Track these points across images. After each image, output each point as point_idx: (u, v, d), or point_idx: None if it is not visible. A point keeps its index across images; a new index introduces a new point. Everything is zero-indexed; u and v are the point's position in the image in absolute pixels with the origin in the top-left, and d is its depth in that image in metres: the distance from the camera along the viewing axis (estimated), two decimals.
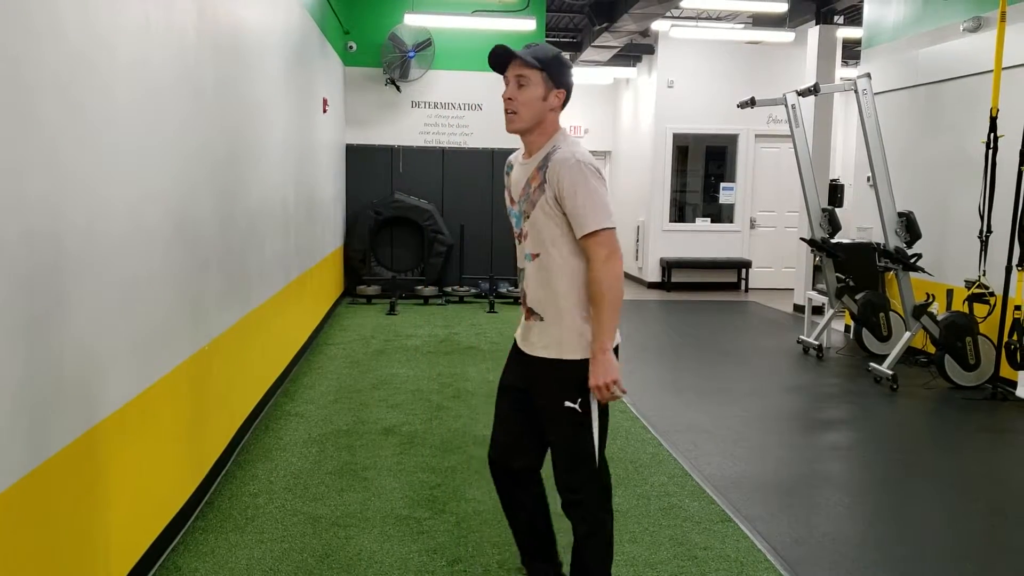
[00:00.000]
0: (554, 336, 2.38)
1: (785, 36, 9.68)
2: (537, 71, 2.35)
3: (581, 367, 2.34)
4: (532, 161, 2.41)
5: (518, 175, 2.47)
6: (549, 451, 2.51)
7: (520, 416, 2.54)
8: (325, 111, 7.67)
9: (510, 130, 2.42)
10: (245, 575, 2.89)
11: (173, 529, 3.09)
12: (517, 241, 2.50)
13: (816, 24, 9.03)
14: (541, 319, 2.41)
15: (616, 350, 2.37)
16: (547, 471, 2.52)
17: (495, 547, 3.14)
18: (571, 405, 2.36)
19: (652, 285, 11.62)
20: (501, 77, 2.43)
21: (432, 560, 3.03)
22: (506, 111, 2.39)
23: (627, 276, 12.14)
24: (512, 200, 2.49)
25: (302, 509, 3.46)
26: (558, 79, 2.38)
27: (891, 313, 6.71)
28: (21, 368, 1.99)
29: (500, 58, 2.38)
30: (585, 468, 2.40)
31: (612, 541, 2.51)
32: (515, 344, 2.57)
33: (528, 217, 2.40)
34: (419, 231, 9.53)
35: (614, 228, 2.30)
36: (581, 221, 2.28)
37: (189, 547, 3.08)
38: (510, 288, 9.53)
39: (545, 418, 2.45)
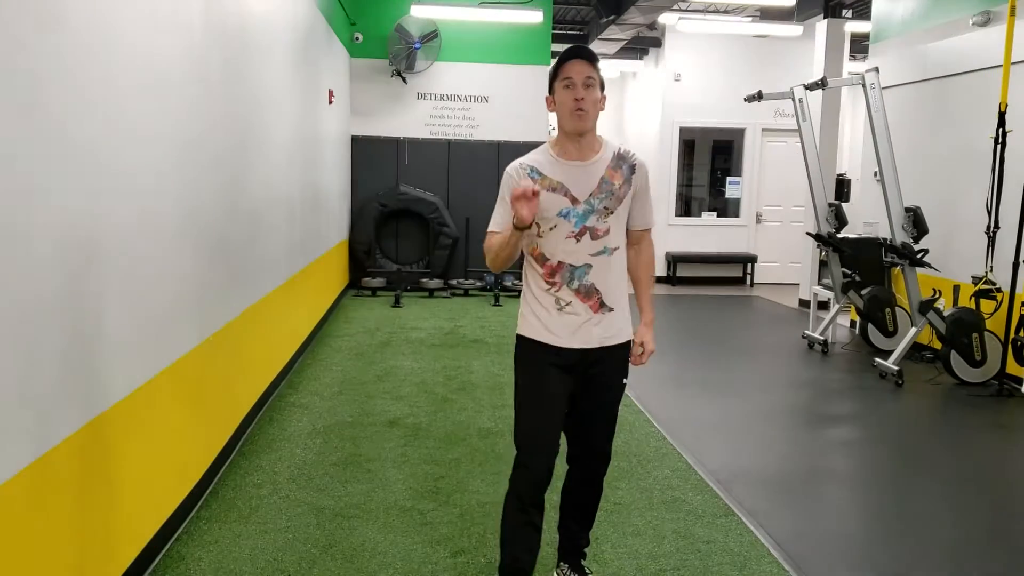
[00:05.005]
0: (619, 323, 2.54)
1: (793, 30, 9.63)
2: (598, 73, 2.42)
3: (630, 346, 2.61)
4: (595, 161, 2.45)
5: (574, 176, 2.43)
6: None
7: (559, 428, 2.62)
8: (331, 102, 7.66)
9: (581, 129, 2.41)
10: (248, 564, 2.90)
11: (178, 518, 3.11)
12: (576, 240, 2.44)
13: (824, 18, 8.98)
14: (612, 310, 2.51)
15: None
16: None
17: (498, 539, 3.14)
18: (625, 381, 2.63)
19: (658, 279, 11.59)
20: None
21: (435, 551, 3.03)
22: (576, 111, 2.37)
23: None
24: (574, 200, 2.43)
25: (306, 500, 3.46)
26: (603, 82, 2.46)
27: (897, 308, 6.69)
28: (27, 356, 2.00)
29: (576, 54, 2.39)
30: (612, 431, 2.68)
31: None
32: (551, 346, 2.49)
33: (613, 213, 2.47)
34: (424, 224, 9.52)
35: None
36: (647, 216, 2.60)
37: (193, 536, 3.09)
38: (515, 281, 9.51)
39: (603, 394, 2.60)
